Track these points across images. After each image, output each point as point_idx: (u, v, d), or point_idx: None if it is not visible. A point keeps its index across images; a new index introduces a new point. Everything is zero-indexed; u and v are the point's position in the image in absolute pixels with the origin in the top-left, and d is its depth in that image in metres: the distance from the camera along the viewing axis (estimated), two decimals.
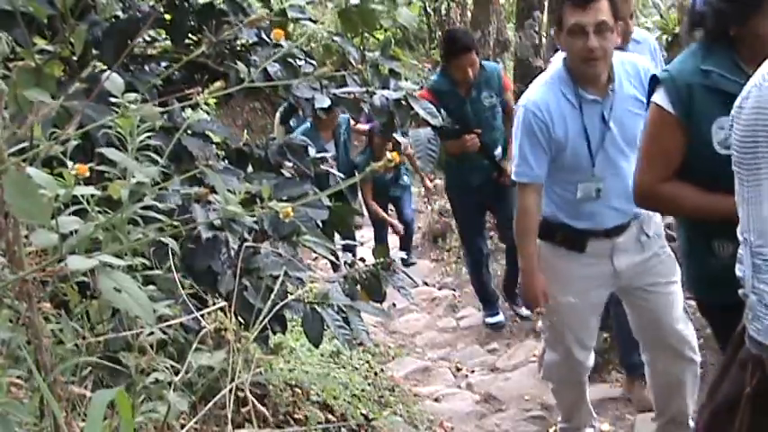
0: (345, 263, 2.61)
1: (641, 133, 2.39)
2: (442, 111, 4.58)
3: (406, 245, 7.15)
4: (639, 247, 2.92)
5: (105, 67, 2.02)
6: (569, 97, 2.80)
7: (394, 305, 6.07)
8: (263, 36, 2.45)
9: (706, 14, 2.15)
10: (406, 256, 7.18)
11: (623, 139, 2.84)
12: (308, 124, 6.09)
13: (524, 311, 5.25)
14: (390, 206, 7.15)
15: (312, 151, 2.66)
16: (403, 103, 2.56)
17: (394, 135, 2.68)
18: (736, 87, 2.10)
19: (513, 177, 2.97)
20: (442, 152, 5.06)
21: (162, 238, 1.48)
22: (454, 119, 4.65)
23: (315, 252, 2.39)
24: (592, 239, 2.91)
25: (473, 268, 5.43)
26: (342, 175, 6.24)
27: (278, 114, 6.32)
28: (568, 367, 3.21)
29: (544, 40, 6.64)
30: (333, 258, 2.46)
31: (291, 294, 2.11)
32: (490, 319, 5.44)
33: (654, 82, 2.26)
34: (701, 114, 2.17)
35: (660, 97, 2.22)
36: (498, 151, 4.96)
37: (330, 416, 3.25)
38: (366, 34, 2.49)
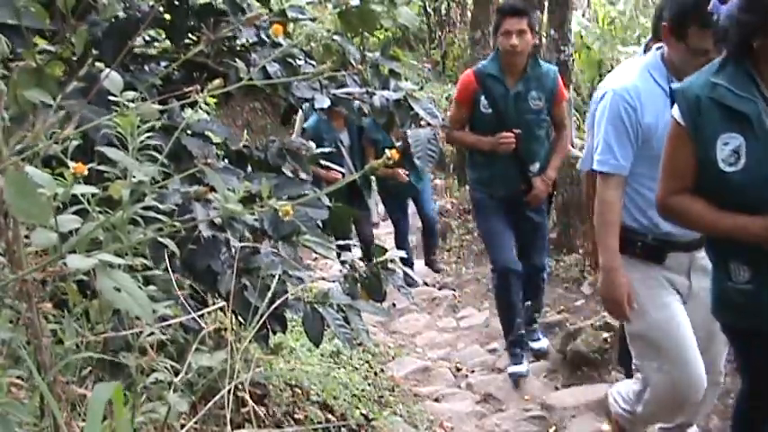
0: (344, 262, 2.61)
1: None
2: (483, 97, 4.20)
3: (429, 246, 6.88)
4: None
5: (105, 67, 2.02)
6: (660, 83, 2.66)
7: (394, 305, 6.08)
8: (263, 35, 2.45)
9: (729, 29, 2.09)
10: (432, 259, 6.89)
11: None
12: (316, 116, 5.94)
13: (537, 345, 4.63)
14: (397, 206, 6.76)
15: (312, 144, 2.66)
16: (403, 103, 2.55)
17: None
18: (744, 103, 2.06)
19: (595, 167, 2.76)
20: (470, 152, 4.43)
21: (161, 239, 1.48)
22: (493, 111, 4.18)
23: (315, 252, 2.39)
24: (671, 252, 2.75)
25: (499, 289, 4.45)
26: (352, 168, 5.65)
27: (299, 116, 6.31)
28: (685, 388, 2.72)
29: (544, 40, 6.65)
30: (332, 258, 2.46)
31: (291, 294, 2.12)
32: (513, 368, 4.43)
33: (673, 94, 2.23)
34: (706, 128, 2.12)
35: (675, 109, 2.19)
36: (535, 167, 4.27)
37: (330, 416, 3.25)
38: (366, 34, 2.49)
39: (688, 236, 2.68)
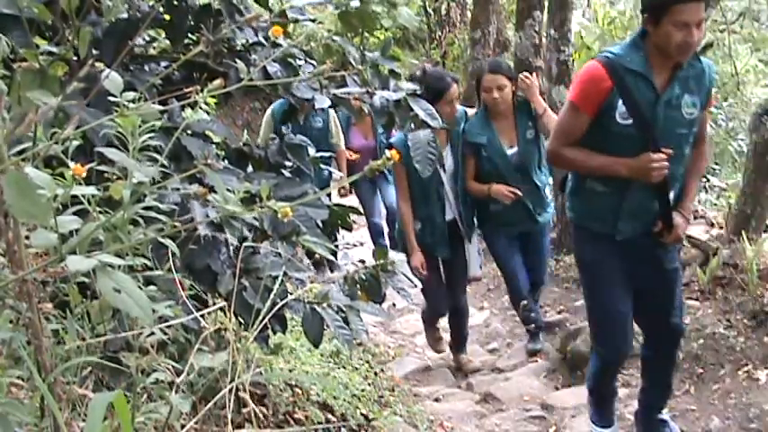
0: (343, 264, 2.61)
1: None
2: (620, 103, 2.81)
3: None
4: None
5: (105, 67, 2.02)
6: None
7: (394, 305, 6.09)
8: (263, 36, 2.45)
9: None
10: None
11: None
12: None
13: None
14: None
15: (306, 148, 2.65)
16: (402, 103, 2.55)
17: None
18: None
19: None
20: (577, 177, 2.95)
21: (161, 239, 1.48)
22: (635, 123, 2.83)
23: (315, 252, 2.39)
24: None
25: (599, 377, 3.30)
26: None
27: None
28: None
29: (544, 39, 6.65)
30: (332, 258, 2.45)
31: (291, 294, 2.12)
32: None
33: None
34: None
35: None
36: (672, 195, 2.99)
37: (330, 416, 3.24)
38: (366, 34, 2.49)
39: None
